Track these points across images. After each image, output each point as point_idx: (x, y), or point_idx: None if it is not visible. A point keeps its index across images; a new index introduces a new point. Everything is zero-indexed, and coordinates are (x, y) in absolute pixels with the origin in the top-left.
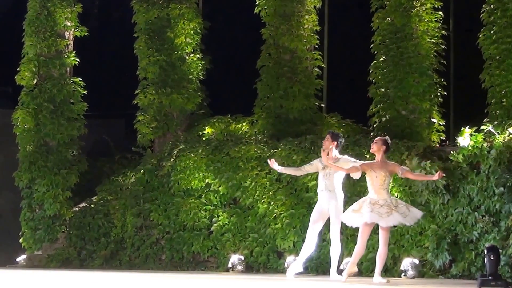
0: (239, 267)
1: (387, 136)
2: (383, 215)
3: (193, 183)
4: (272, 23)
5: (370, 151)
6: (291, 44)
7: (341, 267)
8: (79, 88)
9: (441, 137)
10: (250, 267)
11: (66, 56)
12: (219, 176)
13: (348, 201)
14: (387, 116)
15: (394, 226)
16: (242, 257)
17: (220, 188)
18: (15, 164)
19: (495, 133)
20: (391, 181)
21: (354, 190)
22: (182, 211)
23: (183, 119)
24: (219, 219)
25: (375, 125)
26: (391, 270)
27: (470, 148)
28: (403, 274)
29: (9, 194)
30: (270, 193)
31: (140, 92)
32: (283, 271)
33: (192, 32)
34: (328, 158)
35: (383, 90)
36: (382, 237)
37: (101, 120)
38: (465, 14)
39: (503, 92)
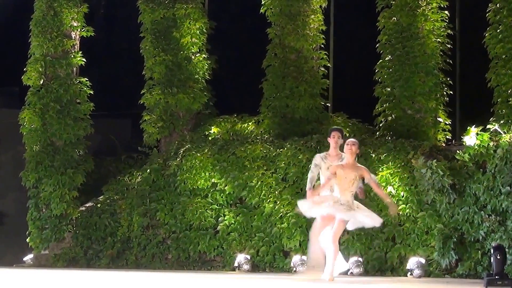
0: (245, 267)
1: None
2: (342, 210)
3: (199, 182)
4: (278, 22)
5: (349, 151)
6: (297, 44)
7: (347, 266)
8: (85, 88)
9: (447, 136)
10: (256, 267)
11: (72, 56)
12: (225, 176)
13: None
14: (393, 116)
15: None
16: (248, 257)
17: (226, 188)
18: (22, 163)
19: (501, 132)
20: (360, 185)
21: None
22: (188, 211)
23: (189, 119)
24: (225, 218)
25: (381, 125)
26: (397, 269)
27: (476, 147)
28: (409, 273)
29: (16, 193)
30: (276, 192)
31: (146, 92)
32: (289, 270)
33: (198, 32)
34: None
35: (389, 89)
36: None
37: (108, 120)
38: (471, 13)
39: (509, 91)
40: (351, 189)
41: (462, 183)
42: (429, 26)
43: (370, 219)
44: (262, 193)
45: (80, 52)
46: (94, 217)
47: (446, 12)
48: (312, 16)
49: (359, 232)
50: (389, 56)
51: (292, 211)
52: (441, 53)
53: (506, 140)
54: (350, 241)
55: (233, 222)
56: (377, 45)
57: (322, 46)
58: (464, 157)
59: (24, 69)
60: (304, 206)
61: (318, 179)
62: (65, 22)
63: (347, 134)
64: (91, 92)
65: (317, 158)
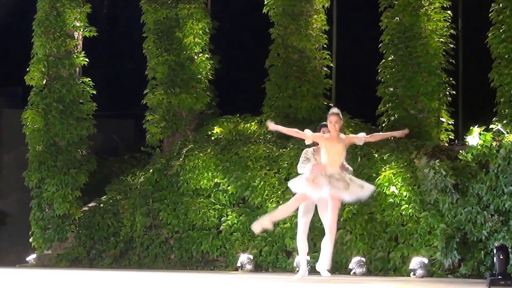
0: (248, 267)
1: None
2: (342, 189)
3: (202, 182)
4: (280, 22)
5: (333, 127)
6: (299, 44)
7: (350, 266)
8: (88, 88)
9: (450, 136)
10: (259, 267)
11: (75, 56)
12: (228, 176)
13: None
14: (395, 116)
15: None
16: (251, 257)
17: (229, 188)
18: (24, 164)
19: (504, 132)
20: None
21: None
22: (191, 211)
23: (192, 119)
24: (228, 218)
25: (383, 125)
26: (400, 269)
27: (479, 147)
28: (412, 273)
29: (19, 193)
30: (279, 192)
31: (149, 92)
32: (292, 270)
33: (200, 32)
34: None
35: (391, 89)
36: (332, 212)
37: (110, 120)
38: (474, 13)
39: None
40: (341, 159)
41: (465, 183)
42: (432, 26)
43: (365, 191)
44: (265, 193)
45: (83, 52)
46: (97, 217)
47: (449, 12)
48: (315, 16)
49: (362, 232)
50: (392, 56)
51: (295, 212)
52: (444, 53)
53: (509, 140)
54: (353, 241)
55: (236, 222)
56: (380, 45)
57: (325, 46)
58: (467, 157)
59: (27, 69)
60: (299, 186)
61: None
62: (67, 22)
63: (349, 134)
64: (94, 92)
65: (308, 152)
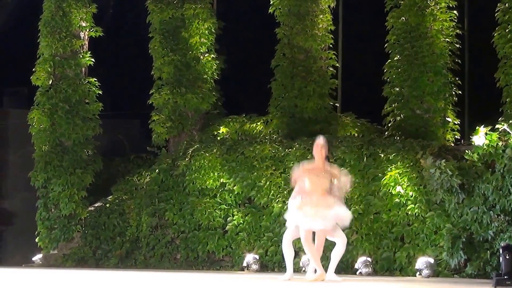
0: (254, 266)
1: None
2: (326, 222)
3: (208, 182)
4: (286, 22)
5: (319, 154)
6: (305, 44)
7: (356, 266)
8: (94, 88)
9: (456, 136)
10: (265, 266)
11: (81, 56)
12: (234, 176)
13: (362, 201)
14: (401, 115)
15: None
16: (257, 256)
17: (235, 188)
18: (30, 164)
19: (510, 132)
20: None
21: (368, 189)
22: (197, 211)
23: (198, 119)
24: (234, 218)
25: (389, 125)
26: (406, 269)
27: (485, 147)
28: (418, 273)
29: (25, 193)
30: (285, 192)
31: (155, 92)
32: (298, 270)
33: (206, 32)
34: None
35: (397, 89)
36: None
37: (116, 120)
38: (480, 13)
39: None
40: (324, 188)
41: (471, 183)
42: (438, 26)
43: (342, 220)
44: (271, 193)
45: (89, 52)
46: (103, 217)
47: (455, 11)
48: (321, 16)
49: (368, 232)
50: (398, 56)
51: None
52: (449, 53)
53: None
54: (359, 241)
55: (241, 222)
56: (386, 45)
57: (331, 46)
58: (473, 157)
59: (33, 69)
60: (291, 219)
61: None
62: (73, 22)
63: (355, 134)
64: (100, 92)
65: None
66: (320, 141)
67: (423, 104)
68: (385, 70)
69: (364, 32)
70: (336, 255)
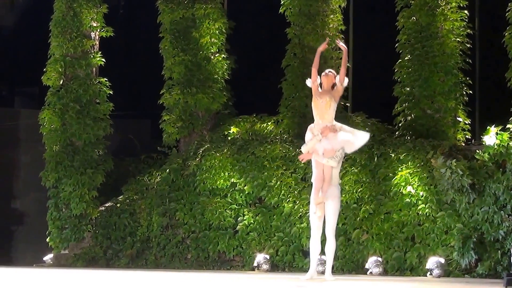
0: (265, 266)
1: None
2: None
3: (218, 182)
4: (297, 22)
5: (325, 78)
6: (316, 44)
7: (366, 266)
8: (105, 88)
9: (467, 136)
10: (275, 266)
11: (92, 57)
12: (245, 176)
13: (373, 200)
14: (412, 115)
15: None
16: (268, 256)
17: (245, 188)
18: (41, 164)
19: None
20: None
21: (379, 189)
22: (207, 211)
23: (209, 119)
24: (244, 218)
25: (400, 124)
26: (416, 269)
27: (495, 146)
28: (428, 273)
29: (36, 193)
30: (296, 192)
31: (166, 92)
32: (308, 270)
33: (217, 32)
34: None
35: (408, 89)
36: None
37: (127, 120)
38: (491, 13)
39: None
40: (329, 112)
41: (482, 183)
42: (449, 26)
43: (357, 138)
44: (282, 193)
45: (100, 52)
46: (113, 217)
47: (466, 11)
48: (331, 16)
49: (379, 231)
50: (409, 56)
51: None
52: (460, 52)
53: None
54: (370, 241)
55: (252, 222)
56: (396, 44)
57: None
58: (484, 157)
59: (44, 69)
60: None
61: None
62: (84, 23)
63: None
64: (111, 92)
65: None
66: (326, 70)
67: (433, 104)
68: (395, 70)
69: (375, 32)
70: (329, 251)
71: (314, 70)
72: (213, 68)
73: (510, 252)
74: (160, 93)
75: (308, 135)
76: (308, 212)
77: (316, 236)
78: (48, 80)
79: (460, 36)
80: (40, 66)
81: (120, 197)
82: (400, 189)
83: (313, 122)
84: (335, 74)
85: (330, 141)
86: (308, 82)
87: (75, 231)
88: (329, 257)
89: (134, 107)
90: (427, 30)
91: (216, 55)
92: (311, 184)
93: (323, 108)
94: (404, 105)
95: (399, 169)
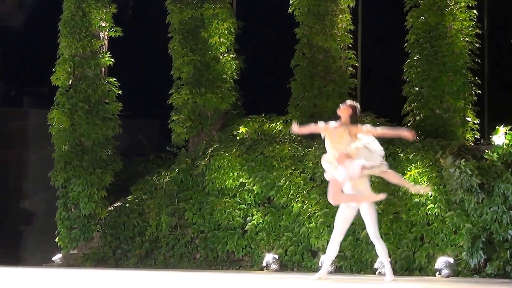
0: (274, 266)
1: (357, 104)
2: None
3: (227, 182)
4: (306, 22)
5: (340, 111)
6: (325, 44)
7: (375, 266)
8: (113, 88)
9: (476, 136)
10: (284, 266)
11: (101, 57)
12: (253, 175)
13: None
14: (421, 115)
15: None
16: (276, 256)
17: (254, 187)
18: (50, 163)
19: None
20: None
21: (388, 189)
22: (216, 210)
23: (217, 119)
24: (253, 218)
25: (409, 124)
26: (425, 269)
27: (504, 146)
28: (437, 273)
29: (45, 193)
30: (304, 192)
31: (175, 92)
32: (317, 270)
33: (226, 32)
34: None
35: (417, 89)
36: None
37: (136, 120)
38: (500, 12)
39: None
40: (343, 143)
41: (491, 183)
42: (458, 26)
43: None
44: (290, 193)
45: (109, 52)
46: (122, 216)
47: (475, 11)
48: (340, 16)
49: (388, 231)
50: (417, 56)
51: (320, 211)
52: (469, 52)
53: None
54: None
55: (261, 221)
56: (405, 44)
57: (350, 45)
58: (493, 157)
59: (53, 69)
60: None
61: None
62: (93, 23)
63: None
64: (120, 92)
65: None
66: (344, 103)
67: (442, 104)
68: (404, 70)
69: (384, 32)
70: (382, 254)
71: (314, 127)
72: (222, 68)
73: None
74: (169, 93)
75: (325, 165)
76: (317, 212)
77: (339, 240)
78: (57, 80)
79: (469, 36)
80: (49, 66)
81: (129, 197)
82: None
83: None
84: (349, 105)
85: (347, 168)
86: (322, 134)
87: (84, 231)
88: (384, 259)
89: (143, 107)
90: (436, 29)
91: (225, 55)
92: (320, 184)
93: (336, 138)
94: (413, 105)
95: (408, 169)
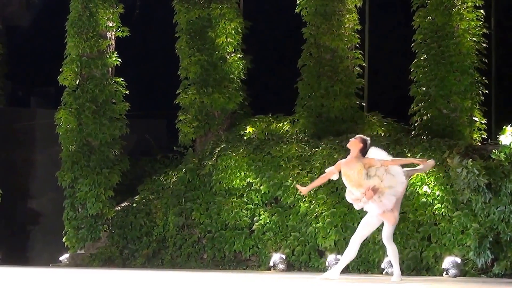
0: (281, 266)
1: (368, 138)
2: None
3: (234, 182)
4: (313, 22)
5: (350, 145)
6: (332, 43)
7: (382, 266)
8: (121, 88)
9: (483, 136)
10: (291, 266)
11: (108, 56)
12: (261, 175)
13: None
14: (428, 115)
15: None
16: (284, 256)
17: (261, 187)
18: (58, 163)
19: None
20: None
21: None
22: (223, 210)
23: (225, 119)
24: (260, 218)
25: (416, 124)
26: (433, 269)
27: None
28: (445, 272)
29: (52, 193)
30: (312, 192)
31: (182, 91)
32: (324, 269)
33: (233, 31)
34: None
35: (424, 88)
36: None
37: (143, 120)
38: (507, 12)
39: None
40: (360, 177)
41: (498, 182)
42: (465, 25)
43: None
44: (297, 193)
45: (116, 52)
46: (129, 216)
47: (482, 11)
48: (347, 16)
49: (395, 231)
50: (424, 56)
51: (327, 211)
52: (476, 52)
53: None
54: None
55: (268, 221)
56: (412, 44)
57: (357, 45)
58: (500, 156)
59: (60, 69)
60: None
61: None
62: (100, 23)
63: (382, 133)
64: (127, 92)
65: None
66: (354, 137)
67: (449, 104)
68: (411, 70)
69: (391, 32)
70: (392, 255)
71: (324, 176)
72: (229, 68)
73: None
74: (176, 93)
75: (356, 205)
76: (324, 212)
77: (359, 243)
78: (64, 80)
79: (476, 36)
80: (56, 66)
81: (136, 197)
82: (416, 189)
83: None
84: (359, 138)
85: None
86: (335, 176)
87: (91, 231)
88: (394, 260)
89: (150, 107)
90: (443, 29)
91: (232, 55)
92: (327, 184)
93: (353, 175)
94: (420, 104)
95: None
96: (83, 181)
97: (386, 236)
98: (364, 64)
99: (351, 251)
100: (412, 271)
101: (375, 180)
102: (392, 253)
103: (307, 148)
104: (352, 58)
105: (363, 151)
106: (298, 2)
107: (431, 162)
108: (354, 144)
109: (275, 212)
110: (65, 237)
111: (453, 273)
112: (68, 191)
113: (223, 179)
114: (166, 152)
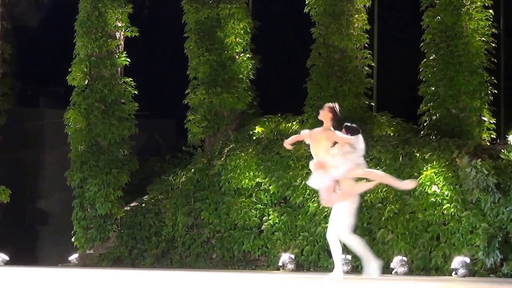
0: (290, 266)
1: (335, 104)
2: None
3: (243, 182)
4: (322, 22)
5: (321, 114)
6: (341, 43)
7: (391, 265)
8: (129, 88)
9: (492, 136)
10: (300, 266)
11: (117, 57)
12: (270, 175)
13: (398, 200)
14: (437, 115)
15: None
16: (293, 256)
17: (270, 187)
18: (67, 163)
19: None
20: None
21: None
22: (232, 210)
23: (233, 119)
24: (269, 218)
25: (425, 124)
26: (442, 268)
27: None
28: (454, 272)
29: (61, 193)
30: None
31: (191, 91)
32: (333, 269)
33: (242, 31)
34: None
35: (433, 88)
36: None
37: (152, 120)
38: None
39: None
40: (320, 149)
41: (507, 182)
42: (474, 25)
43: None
44: (306, 193)
45: (125, 52)
46: (138, 216)
47: (491, 11)
48: (356, 16)
49: (404, 231)
50: (433, 55)
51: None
52: (485, 52)
53: None
54: (395, 240)
55: (277, 221)
56: (421, 44)
57: (366, 45)
58: (509, 156)
59: (69, 69)
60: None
61: None
62: (109, 23)
63: (391, 133)
64: (136, 92)
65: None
66: (323, 107)
67: (458, 103)
68: (420, 70)
69: (400, 32)
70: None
71: (298, 136)
72: (238, 68)
73: None
74: (185, 93)
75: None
76: None
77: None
78: (73, 80)
79: (485, 36)
80: (65, 66)
81: (145, 197)
82: (425, 189)
83: (336, 120)
84: (327, 108)
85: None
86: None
87: (100, 231)
88: (336, 259)
89: (159, 107)
90: (452, 29)
91: (241, 55)
92: None
93: (314, 145)
94: (429, 104)
95: (424, 169)
96: (92, 181)
97: (331, 232)
98: (373, 64)
99: (338, 245)
100: (421, 271)
101: (331, 157)
102: (334, 251)
103: None
104: (361, 58)
105: (335, 119)
106: (307, 2)
107: (411, 183)
108: (323, 115)
109: (284, 212)
110: (74, 237)
111: (462, 273)
112: (77, 191)
113: (232, 179)
114: (175, 152)
